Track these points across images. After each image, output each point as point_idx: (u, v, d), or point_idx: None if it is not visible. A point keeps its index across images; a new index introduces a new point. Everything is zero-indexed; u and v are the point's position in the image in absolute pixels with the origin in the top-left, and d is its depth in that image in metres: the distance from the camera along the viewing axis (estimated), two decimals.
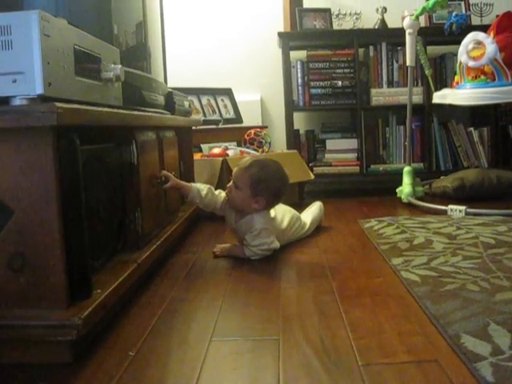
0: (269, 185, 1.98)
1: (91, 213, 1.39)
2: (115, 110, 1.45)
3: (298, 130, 3.68)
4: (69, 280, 1.18)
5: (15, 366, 1.15)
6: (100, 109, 1.33)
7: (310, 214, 2.41)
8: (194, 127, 2.86)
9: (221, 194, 2.09)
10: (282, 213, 2.17)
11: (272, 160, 2.09)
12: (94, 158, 1.44)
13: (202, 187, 2.06)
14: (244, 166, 2.01)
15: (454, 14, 3.10)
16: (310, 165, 3.54)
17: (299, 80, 3.60)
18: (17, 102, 1.10)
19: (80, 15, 1.57)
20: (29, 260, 1.15)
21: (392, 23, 3.57)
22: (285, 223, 2.14)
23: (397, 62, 3.58)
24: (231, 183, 2.02)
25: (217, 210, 2.10)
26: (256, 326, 1.34)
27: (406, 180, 3.06)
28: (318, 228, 2.43)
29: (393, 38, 3.52)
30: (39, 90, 1.08)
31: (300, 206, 2.50)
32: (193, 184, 2.08)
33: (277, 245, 2.00)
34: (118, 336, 1.30)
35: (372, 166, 3.61)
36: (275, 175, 2.01)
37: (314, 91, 3.57)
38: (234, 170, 2.05)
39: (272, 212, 2.08)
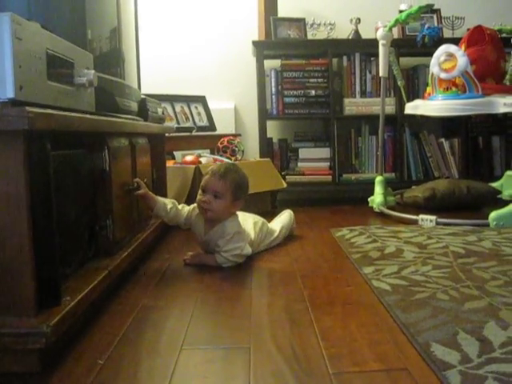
0: (246, 188, 2.06)
1: (62, 219, 1.37)
2: (88, 116, 1.44)
3: (271, 139, 3.69)
4: (38, 287, 1.16)
5: None
6: (72, 114, 1.31)
7: (280, 222, 2.41)
8: (167, 134, 2.85)
9: (184, 209, 2.08)
10: (246, 220, 2.15)
11: (232, 163, 2.13)
12: (65, 164, 1.42)
13: (167, 201, 2.05)
14: (219, 173, 1.99)
15: (426, 26, 3.16)
16: (283, 173, 3.55)
17: (273, 89, 3.62)
18: None
19: (53, 19, 1.55)
20: None
21: (366, 34, 3.62)
22: (252, 229, 2.13)
23: (370, 72, 3.62)
24: (207, 195, 1.97)
25: (181, 224, 2.10)
26: (227, 335, 1.34)
27: (378, 189, 3.08)
28: (290, 237, 2.43)
29: (366, 48, 3.56)
30: (10, 93, 1.06)
31: (272, 215, 2.51)
32: (159, 198, 2.05)
33: (249, 250, 2.00)
34: (87, 344, 1.29)
35: (344, 176, 3.63)
36: (246, 177, 2.08)
37: (287, 100, 3.59)
38: (207, 180, 2.00)
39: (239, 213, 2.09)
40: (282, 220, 2.43)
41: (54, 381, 1.10)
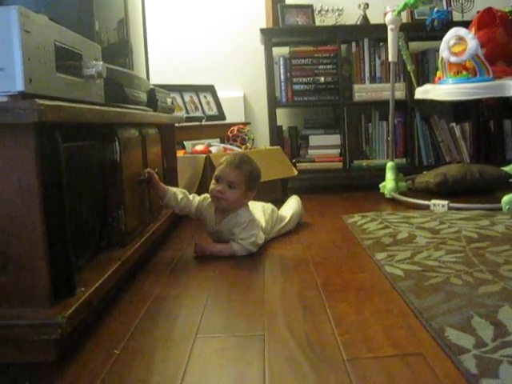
0: (258, 178, 2.08)
1: (74, 210, 1.38)
2: (97, 107, 1.44)
3: (280, 127, 3.68)
4: (52, 278, 1.16)
5: None
6: (82, 106, 1.31)
7: (289, 208, 2.41)
8: (176, 124, 2.85)
9: (195, 199, 2.08)
10: (256, 207, 2.15)
11: (246, 154, 2.15)
12: (76, 156, 1.43)
13: (177, 191, 2.06)
14: (234, 163, 2.00)
15: (435, 9, 3.13)
16: (293, 161, 3.54)
17: (282, 76, 3.60)
18: None
19: (61, 11, 1.55)
20: (11, 259, 1.14)
21: (374, 19, 3.59)
22: (262, 216, 2.13)
23: (379, 57, 3.60)
24: (221, 185, 1.98)
25: (191, 214, 2.10)
26: (241, 322, 1.34)
27: (389, 175, 3.07)
28: (302, 224, 2.43)
29: (375, 33, 3.53)
30: (20, 86, 1.07)
31: (283, 203, 2.51)
32: (169, 187, 2.06)
33: (262, 237, 2.01)
34: (102, 334, 1.30)
35: (355, 162, 3.62)
36: (258, 168, 2.10)
37: (296, 87, 3.58)
38: (222, 170, 2.00)
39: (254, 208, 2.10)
40: (291, 206, 2.43)
41: (70, 371, 1.11)
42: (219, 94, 3.70)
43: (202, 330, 1.30)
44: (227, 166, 2.00)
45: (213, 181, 2.02)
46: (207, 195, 2.06)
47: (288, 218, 2.31)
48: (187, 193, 2.08)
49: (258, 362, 1.11)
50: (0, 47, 1.06)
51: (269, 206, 2.24)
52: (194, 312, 1.41)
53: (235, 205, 2.00)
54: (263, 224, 2.09)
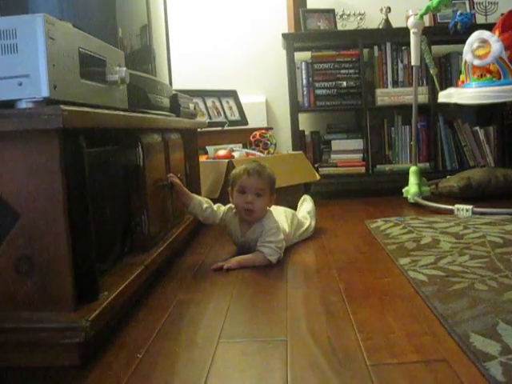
0: (275, 182, 2.06)
1: (98, 215, 1.39)
2: (121, 113, 1.45)
3: (303, 131, 3.67)
4: (76, 282, 1.18)
5: (23, 369, 1.15)
6: (105, 111, 1.33)
7: (306, 211, 2.39)
8: (199, 129, 2.86)
9: (220, 209, 2.06)
10: (279, 214, 2.13)
11: (258, 161, 2.13)
12: (100, 161, 1.44)
13: (202, 200, 2.04)
14: (256, 172, 1.98)
15: (458, 12, 3.09)
16: (316, 165, 3.54)
17: (304, 81, 3.60)
18: (22, 105, 1.10)
19: (85, 18, 1.57)
20: (36, 263, 1.15)
21: (396, 23, 3.57)
22: (285, 222, 2.12)
23: (401, 61, 3.57)
24: (250, 195, 1.95)
25: (216, 224, 2.10)
26: (263, 327, 1.34)
27: (412, 180, 3.05)
28: (323, 228, 2.41)
29: (397, 37, 3.51)
30: (45, 92, 1.08)
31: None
32: (195, 195, 2.05)
33: (284, 244, 1.99)
34: (125, 338, 1.30)
35: (378, 166, 3.60)
36: (273, 171, 2.08)
37: (318, 92, 3.57)
38: (247, 180, 1.97)
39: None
40: (307, 208, 2.41)
41: (94, 374, 1.12)
42: (241, 99, 3.71)
43: (224, 334, 1.30)
44: (251, 176, 1.97)
45: (236, 194, 1.99)
46: (232, 205, 2.05)
47: (307, 222, 2.30)
48: (212, 203, 2.07)
49: (281, 368, 1.10)
50: (26, 54, 1.08)
51: (289, 211, 2.24)
52: (217, 317, 1.42)
53: (264, 213, 1.99)
54: (286, 229, 2.09)
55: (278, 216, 2.08)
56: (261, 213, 1.98)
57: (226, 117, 3.56)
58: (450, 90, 2.93)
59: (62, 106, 1.07)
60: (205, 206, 2.02)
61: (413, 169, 3.08)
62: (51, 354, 1.15)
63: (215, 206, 2.06)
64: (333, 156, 3.61)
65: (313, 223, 2.35)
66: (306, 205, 2.45)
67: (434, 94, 3.41)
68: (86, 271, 1.21)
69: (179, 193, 2.00)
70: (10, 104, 1.11)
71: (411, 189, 3.03)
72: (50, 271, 1.15)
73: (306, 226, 2.28)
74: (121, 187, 1.63)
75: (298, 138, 3.56)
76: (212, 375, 1.09)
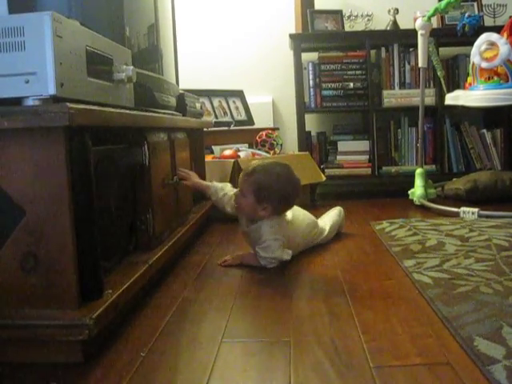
0: (273, 191, 1.87)
1: (103, 213, 1.39)
2: (127, 111, 1.45)
3: (309, 132, 3.67)
4: (80, 280, 1.18)
5: (26, 366, 1.16)
6: (112, 110, 1.33)
7: (329, 219, 2.30)
8: (205, 129, 2.87)
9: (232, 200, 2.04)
10: (302, 221, 2.08)
11: (280, 163, 1.97)
12: (105, 159, 1.44)
13: (218, 188, 2.04)
14: (247, 171, 1.93)
15: (466, 14, 3.09)
16: (322, 166, 3.54)
17: (311, 82, 3.60)
18: (29, 102, 1.10)
19: (92, 17, 1.57)
20: (41, 260, 1.15)
21: (404, 24, 3.56)
22: (304, 231, 2.07)
23: (409, 63, 3.57)
24: (238, 192, 1.95)
25: (229, 212, 2.06)
26: (267, 328, 1.34)
27: (418, 182, 3.04)
28: (336, 233, 2.38)
29: (405, 39, 3.50)
30: (52, 90, 1.08)
31: (311, 208, 2.50)
32: (210, 184, 2.07)
33: (288, 256, 1.91)
34: (128, 337, 1.31)
35: (384, 168, 3.60)
36: (280, 179, 1.90)
37: (325, 93, 3.57)
38: (239, 177, 1.97)
39: (289, 214, 1.99)
40: (332, 217, 2.32)
41: (97, 372, 1.12)
42: (248, 99, 3.71)
43: (227, 334, 1.30)
44: (242, 173, 1.96)
45: None
46: None
47: (327, 231, 2.21)
48: (228, 188, 2.06)
49: (284, 368, 1.10)
50: (33, 52, 1.08)
51: (312, 221, 2.15)
52: (221, 316, 1.42)
53: (250, 213, 1.92)
54: (301, 241, 2.04)
55: (300, 223, 2.04)
56: (246, 212, 1.94)
57: (232, 117, 3.56)
58: (457, 93, 2.92)
59: (69, 104, 1.07)
60: (221, 194, 2.03)
61: (419, 171, 3.07)
62: (55, 351, 1.16)
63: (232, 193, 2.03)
64: (339, 157, 3.61)
65: (330, 233, 2.24)
66: (332, 214, 2.35)
67: (441, 96, 3.40)
68: (91, 269, 1.21)
69: (194, 187, 2.01)
70: (16, 101, 1.11)
71: (417, 191, 3.02)
72: (55, 268, 1.15)
73: (324, 235, 2.19)
74: (126, 185, 1.64)
75: (304, 139, 3.56)
76: (214, 375, 1.09)
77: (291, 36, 3.48)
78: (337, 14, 3.62)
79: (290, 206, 1.97)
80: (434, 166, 3.56)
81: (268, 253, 1.87)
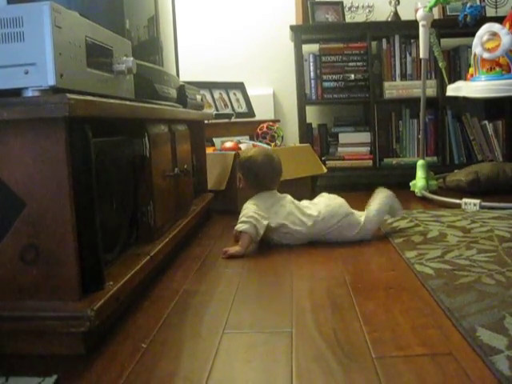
0: (251, 168, 2.16)
1: (104, 205, 1.39)
2: (127, 103, 1.45)
3: (310, 124, 3.66)
4: (81, 272, 1.17)
5: (28, 358, 1.16)
6: (112, 101, 1.32)
7: (376, 204, 2.15)
8: (206, 121, 2.86)
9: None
10: (331, 198, 2.15)
11: (266, 150, 2.26)
12: (106, 151, 1.44)
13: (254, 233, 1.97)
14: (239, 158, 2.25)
15: (468, 5, 3.08)
16: (323, 158, 3.53)
17: (311, 73, 3.59)
18: (29, 93, 1.10)
19: (92, 8, 1.57)
20: (42, 252, 1.15)
21: (405, 15, 3.55)
22: (321, 205, 2.08)
23: (410, 54, 3.55)
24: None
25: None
26: (269, 319, 1.34)
27: (420, 174, 3.03)
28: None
29: (406, 30, 3.49)
30: (51, 81, 1.08)
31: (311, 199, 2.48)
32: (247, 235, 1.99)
33: (260, 225, 1.97)
34: (130, 328, 1.30)
35: (385, 160, 3.59)
36: (261, 160, 2.16)
37: (326, 84, 3.55)
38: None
39: (316, 199, 2.16)
40: (379, 201, 2.17)
41: (98, 363, 1.12)
42: (249, 92, 3.70)
43: (229, 325, 1.29)
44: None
45: None
46: None
47: (362, 221, 2.08)
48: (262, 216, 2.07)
49: (286, 359, 1.10)
50: (32, 42, 1.08)
51: (339, 203, 2.11)
52: (222, 307, 1.41)
53: (250, 194, 2.16)
54: (314, 212, 2.04)
55: (328, 201, 2.12)
56: (245, 189, 2.21)
57: (233, 109, 3.55)
58: (459, 84, 2.91)
59: (69, 95, 1.07)
60: (261, 232, 1.99)
61: (420, 162, 3.06)
62: (56, 343, 1.16)
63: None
64: (340, 149, 3.60)
65: (368, 226, 2.08)
66: (380, 198, 2.20)
67: (442, 88, 3.39)
68: (92, 261, 1.21)
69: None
70: (16, 92, 1.10)
71: (418, 183, 3.01)
72: (56, 260, 1.15)
73: (359, 227, 2.07)
74: (127, 177, 1.63)
75: (305, 131, 3.55)
76: (216, 366, 1.09)
77: (292, 27, 3.47)
78: (337, 6, 3.61)
79: (266, 185, 2.16)
80: (435, 158, 3.56)
81: (243, 211, 2.04)
